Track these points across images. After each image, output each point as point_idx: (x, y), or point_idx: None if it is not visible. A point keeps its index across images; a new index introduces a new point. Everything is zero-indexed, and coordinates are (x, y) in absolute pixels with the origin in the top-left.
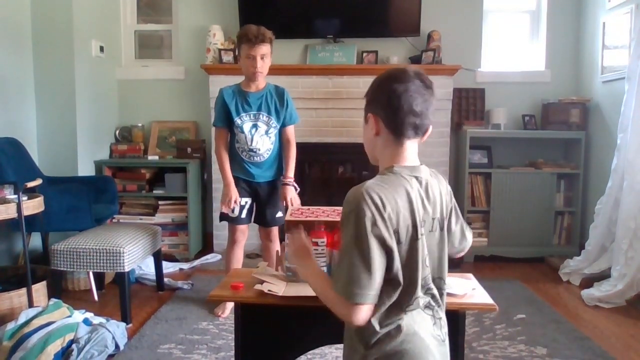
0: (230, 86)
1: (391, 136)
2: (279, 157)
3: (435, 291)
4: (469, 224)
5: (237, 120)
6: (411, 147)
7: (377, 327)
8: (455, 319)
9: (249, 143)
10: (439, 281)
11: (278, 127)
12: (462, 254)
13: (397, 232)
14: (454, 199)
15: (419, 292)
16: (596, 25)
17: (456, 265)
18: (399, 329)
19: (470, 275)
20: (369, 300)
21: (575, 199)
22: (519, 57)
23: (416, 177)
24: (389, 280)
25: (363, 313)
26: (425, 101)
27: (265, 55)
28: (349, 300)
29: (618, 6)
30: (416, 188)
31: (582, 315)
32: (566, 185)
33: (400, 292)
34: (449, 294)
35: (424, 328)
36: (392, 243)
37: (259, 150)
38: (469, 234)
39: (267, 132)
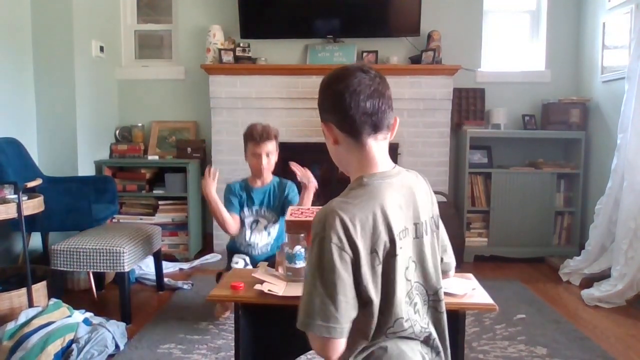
0: (237, 181)
1: (350, 139)
2: (277, 248)
3: (431, 310)
4: (469, 224)
5: (240, 216)
6: (377, 147)
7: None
8: (455, 319)
9: (247, 238)
10: (435, 295)
11: (279, 220)
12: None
13: (375, 252)
14: (436, 207)
15: (401, 312)
16: (596, 25)
17: (456, 265)
18: (383, 349)
19: (470, 275)
20: (337, 335)
21: (575, 199)
22: (519, 57)
23: (390, 183)
24: (363, 305)
25: (337, 347)
26: (373, 93)
27: (271, 152)
28: (316, 334)
29: (618, 6)
30: (391, 196)
31: (582, 315)
32: (566, 185)
33: (378, 315)
34: (448, 294)
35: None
36: (365, 269)
37: (257, 245)
38: (448, 258)
39: (266, 228)
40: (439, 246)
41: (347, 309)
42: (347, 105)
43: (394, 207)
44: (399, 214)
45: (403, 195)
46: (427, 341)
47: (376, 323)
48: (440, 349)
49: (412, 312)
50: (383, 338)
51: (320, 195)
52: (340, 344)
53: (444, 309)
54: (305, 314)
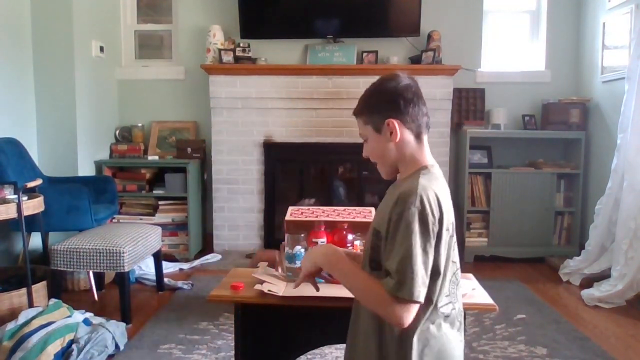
0: None
1: (412, 137)
2: None
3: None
4: (469, 224)
5: None
6: (427, 144)
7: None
8: None
9: None
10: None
11: None
12: None
13: (448, 229)
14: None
15: (450, 289)
16: (596, 25)
17: None
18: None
19: (470, 275)
20: (422, 299)
21: (575, 199)
22: (519, 57)
23: (441, 174)
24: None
25: (413, 312)
26: (423, 97)
27: None
28: (406, 297)
29: (618, 6)
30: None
31: (582, 315)
32: (566, 185)
33: (437, 290)
34: None
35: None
36: (443, 241)
37: None
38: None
39: None
40: None
41: (429, 275)
42: (415, 105)
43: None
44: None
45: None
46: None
47: (431, 294)
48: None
49: (455, 291)
50: (436, 314)
51: (320, 195)
52: (416, 309)
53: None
54: (413, 281)
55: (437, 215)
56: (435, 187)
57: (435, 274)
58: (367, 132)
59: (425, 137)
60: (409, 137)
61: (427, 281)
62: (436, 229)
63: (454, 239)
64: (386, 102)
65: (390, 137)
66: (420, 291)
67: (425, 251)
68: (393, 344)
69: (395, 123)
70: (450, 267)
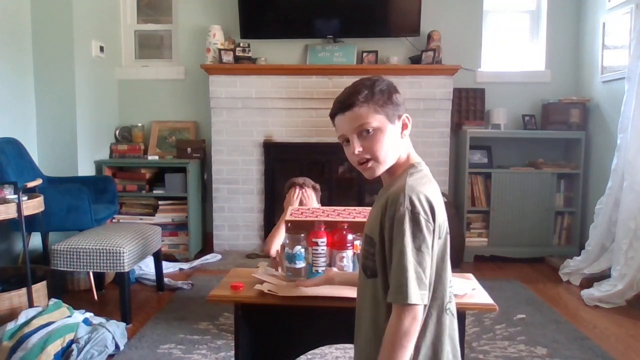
0: None
1: (406, 133)
2: None
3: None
4: (469, 224)
5: None
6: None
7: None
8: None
9: None
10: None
11: None
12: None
13: (440, 225)
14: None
15: (449, 287)
16: (596, 25)
17: (456, 265)
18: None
19: (470, 275)
20: (426, 301)
21: (575, 199)
22: (519, 57)
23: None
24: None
25: (418, 316)
26: None
27: None
28: (405, 303)
29: (618, 6)
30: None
31: (582, 315)
32: (566, 185)
33: (435, 285)
34: None
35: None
36: (436, 241)
37: None
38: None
39: None
40: None
41: (431, 275)
42: (403, 104)
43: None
44: None
45: None
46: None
47: (436, 294)
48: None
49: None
50: (443, 312)
51: (320, 195)
52: (421, 312)
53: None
54: (405, 285)
55: (429, 212)
56: (424, 185)
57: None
58: (375, 123)
59: None
60: (407, 135)
61: (426, 281)
62: (431, 227)
63: (448, 237)
64: (396, 96)
65: (401, 132)
66: (418, 293)
67: (419, 251)
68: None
69: (405, 119)
70: (448, 264)
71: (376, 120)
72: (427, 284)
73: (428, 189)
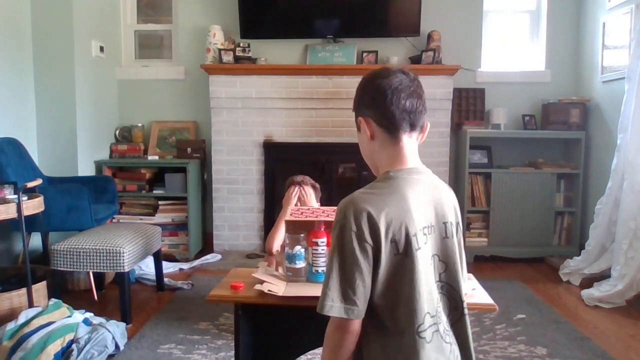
0: None
1: (386, 135)
2: None
3: (451, 309)
4: (469, 224)
5: None
6: (410, 145)
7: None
8: None
9: None
10: (456, 294)
11: None
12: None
13: (394, 241)
14: (459, 216)
15: (424, 307)
16: (596, 25)
17: None
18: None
19: (471, 275)
20: (353, 316)
21: (575, 199)
22: (519, 57)
23: (417, 180)
24: (384, 294)
25: (349, 327)
26: (412, 93)
27: None
28: (326, 314)
29: (618, 6)
30: (418, 191)
31: (582, 315)
32: (566, 185)
33: (401, 306)
34: None
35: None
36: (384, 257)
37: None
38: (464, 267)
39: None
40: (463, 252)
41: (365, 293)
42: (389, 101)
43: (420, 202)
44: (425, 209)
45: (431, 192)
46: (447, 346)
47: (399, 315)
48: (458, 352)
49: (434, 310)
50: (411, 336)
51: (320, 194)
52: (355, 326)
53: (466, 311)
54: (325, 296)
55: (365, 228)
56: (376, 198)
57: (386, 294)
58: (358, 127)
59: (404, 137)
60: (383, 135)
61: (355, 297)
62: (367, 244)
63: (417, 258)
64: (361, 98)
65: (364, 135)
66: (338, 306)
67: (345, 264)
68: None
69: (365, 120)
70: (420, 283)
71: (356, 124)
72: (355, 299)
73: (378, 203)
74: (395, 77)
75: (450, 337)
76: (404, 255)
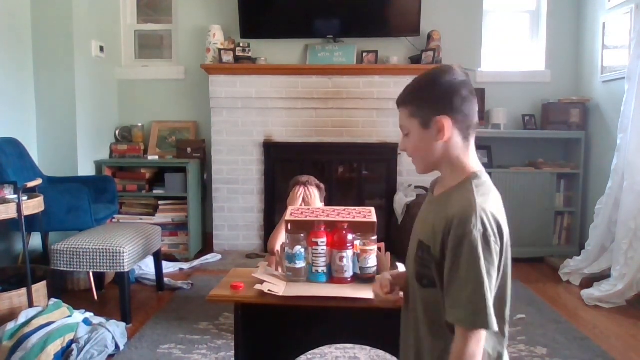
0: None
1: (460, 138)
2: None
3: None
4: None
5: None
6: (474, 147)
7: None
8: None
9: None
10: None
11: None
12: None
13: (506, 242)
14: None
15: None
16: (596, 25)
17: None
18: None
19: None
20: (496, 327)
21: (575, 199)
22: (519, 57)
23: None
24: (498, 298)
25: (483, 341)
26: (476, 96)
27: None
28: (484, 327)
29: (618, 6)
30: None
31: (582, 315)
32: (566, 185)
33: (508, 310)
34: None
35: None
36: (502, 257)
37: None
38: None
39: None
40: None
41: (493, 300)
42: (469, 106)
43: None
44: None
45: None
46: None
47: (506, 314)
48: None
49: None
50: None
51: (325, 194)
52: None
53: None
54: (486, 309)
55: (497, 233)
56: (491, 201)
57: (502, 296)
58: (410, 126)
59: (472, 139)
60: (457, 137)
61: (490, 304)
62: (498, 248)
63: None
64: (440, 97)
65: (437, 136)
66: (494, 319)
67: (490, 275)
68: None
69: (445, 121)
70: (510, 281)
71: (411, 124)
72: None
73: (494, 204)
74: (467, 78)
75: None
76: (506, 252)
